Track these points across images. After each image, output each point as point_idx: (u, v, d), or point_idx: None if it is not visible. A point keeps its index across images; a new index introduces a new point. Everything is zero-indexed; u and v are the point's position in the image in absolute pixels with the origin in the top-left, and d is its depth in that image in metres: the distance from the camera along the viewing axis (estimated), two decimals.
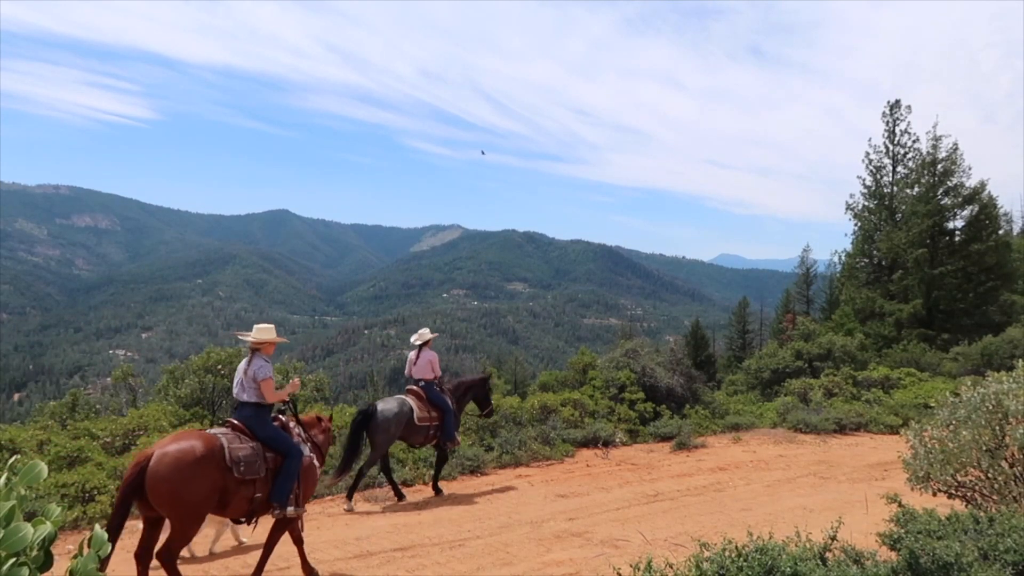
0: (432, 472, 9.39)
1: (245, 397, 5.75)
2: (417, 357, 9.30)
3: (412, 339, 9.44)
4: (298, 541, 5.80)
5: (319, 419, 6.49)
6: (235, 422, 5.68)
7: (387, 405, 8.78)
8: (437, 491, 9.10)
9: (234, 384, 5.90)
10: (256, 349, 5.90)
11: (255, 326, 6.04)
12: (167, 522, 5.11)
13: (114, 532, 4.89)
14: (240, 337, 6.05)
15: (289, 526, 5.74)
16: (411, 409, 8.84)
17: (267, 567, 5.73)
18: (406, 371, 9.53)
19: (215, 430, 5.52)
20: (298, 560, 5.83)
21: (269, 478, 5.56)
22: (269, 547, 5.71)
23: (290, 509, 5.62)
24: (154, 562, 5.06)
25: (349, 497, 8.49)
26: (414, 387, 9.23)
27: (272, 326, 6.05)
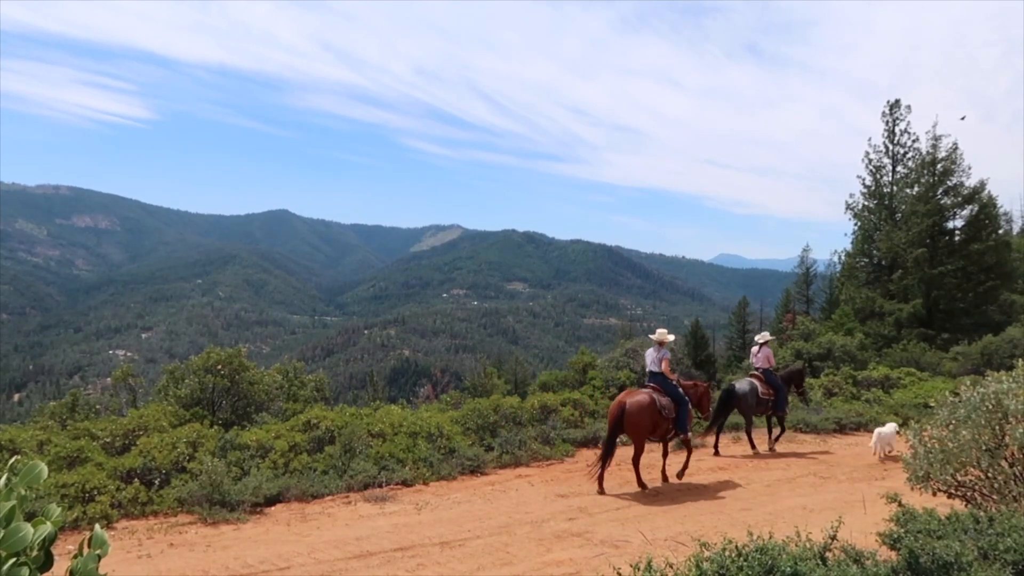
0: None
1: (657, 369, 9.62)
2: (758, 351, 12.85)
3: (756, 338, 13.22)
4: (666, 455, 10.02)
5: (696, 384, 10.26)
6: (653, 385, 9.52)
7: (742, 384, 12.21)
8: (772, 449, 12.26)
9: (647, 363, 9.86)
10: (660, 343, 9.69)
11: (657, 330, 9.90)
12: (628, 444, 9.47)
13: (608, 451, 9.07)
14: (651, 337, 9.93)
15: (671, 442, 10.09)
16: (756, 387, 12.16)
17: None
18: (750, 360, 13.39)
19: (645, 389, 9.40)
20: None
21: (675, 416, 9.38)
22: (665, 455, 9.97)
23: (685, 434, 9.77)
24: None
25: (715, 447, 12.01)
26: (756, 372, 12.65)
27: (665, 330, 9.91)
